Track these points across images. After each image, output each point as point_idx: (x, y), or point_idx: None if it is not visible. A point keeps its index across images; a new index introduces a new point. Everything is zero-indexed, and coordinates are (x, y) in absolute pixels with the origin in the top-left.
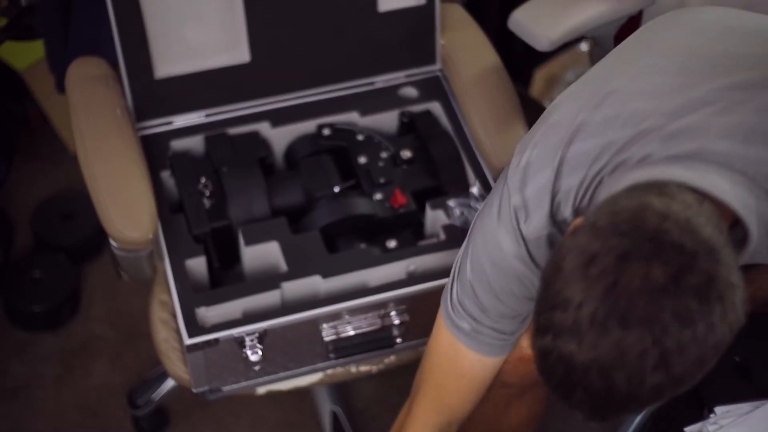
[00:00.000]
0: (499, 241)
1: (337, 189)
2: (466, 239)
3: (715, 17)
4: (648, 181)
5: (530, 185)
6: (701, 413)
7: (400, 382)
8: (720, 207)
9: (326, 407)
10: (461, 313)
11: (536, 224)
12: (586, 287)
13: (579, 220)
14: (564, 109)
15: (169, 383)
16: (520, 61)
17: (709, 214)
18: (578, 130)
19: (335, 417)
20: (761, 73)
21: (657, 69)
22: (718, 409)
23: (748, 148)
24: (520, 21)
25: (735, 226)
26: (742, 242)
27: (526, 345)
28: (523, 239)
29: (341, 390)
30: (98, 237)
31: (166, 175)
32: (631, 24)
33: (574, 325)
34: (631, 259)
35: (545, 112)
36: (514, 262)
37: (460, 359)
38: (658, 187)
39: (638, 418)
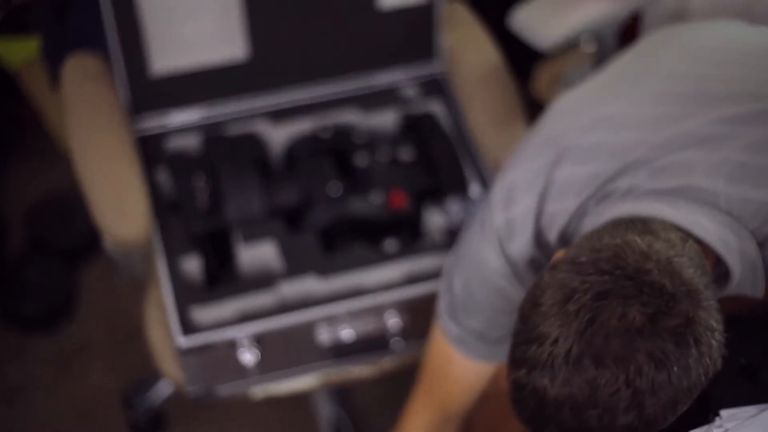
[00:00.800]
0: (484, 257)
1: (335, 190)
2: (455, 249)
3: (712, 37)
4: (632, 215)
5: (515, 207)
6: (706, 416)
7: (401, 385)
8: (703, 246)
9: (326, 411)
10: (450, 321)
11: (520, 246)
12: (563, 323)
13: (560, 253)
14: (552, 127)
15: (167, 386)
16: (520, 59)
17: (692, 254)
18: (565, 153)
19: (336, 421)
20: (751, 106)
21: (647, 98)
22: (723, 413)
23: (733, 187)
24: (520, 20)
25: (719, 263)
26: (725, 278)
27: None
28: (507, 259)
29: (341, 393)
30: (93, 238)
31: (162, 173)
32: (632, 23)
33: (548, 360)
34: (610, 298)
35: (536, 125)
36: (498, 278)
37: (452, 363)
38: (642, 224)
39: None
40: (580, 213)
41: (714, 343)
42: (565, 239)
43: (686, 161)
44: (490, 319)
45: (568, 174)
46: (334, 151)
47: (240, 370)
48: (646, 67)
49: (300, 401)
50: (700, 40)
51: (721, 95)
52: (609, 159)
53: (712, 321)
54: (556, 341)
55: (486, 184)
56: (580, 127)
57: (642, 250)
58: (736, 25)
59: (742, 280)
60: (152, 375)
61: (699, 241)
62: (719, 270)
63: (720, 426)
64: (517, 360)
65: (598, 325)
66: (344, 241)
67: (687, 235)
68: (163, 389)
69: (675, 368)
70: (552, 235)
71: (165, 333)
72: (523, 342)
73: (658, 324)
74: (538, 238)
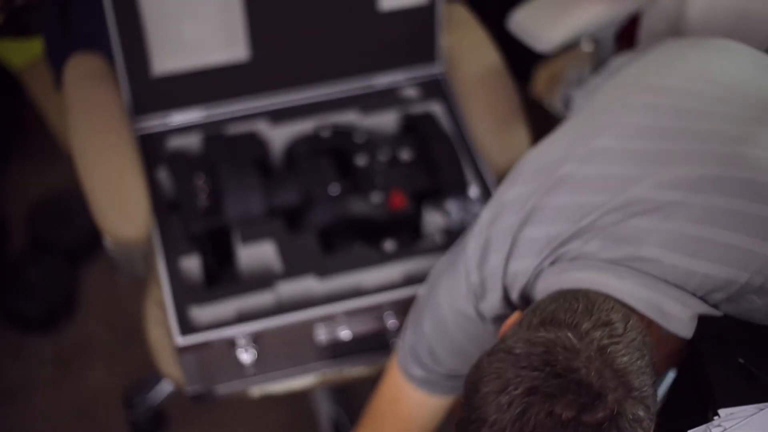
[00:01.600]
0: (461, 306)
1: (335, 190)
2: (428, 291)
3: (686, 73)
4: (578, 287)
5: (486, 265)
6: (705, 416)
7: None
8: (648, 318)
9: (326, 411)
10: (414, 364)
11: (491, 305)
12: (498, 410)
13: (514, 317)
14: (521, 183)
15: (167, 386)
16: (520, 60)
17: (633, 335)
18: (532, 213)
19: (336, 420)
20: (706, 169)
21: (608, 155)
22: (722, 412)
23: (680, 258)
24: (519, 22)
25: None
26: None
27: None
28: (479, 315)
29: (341, 393)
30: (94, 237)
31: (163, 173)
32: (631, 25)
33: None
34: (538, 394)
35: (509, 179)
36: (474, 328)
37: (405, 401)
38: (586, 299)
39: None
40: (536, 273)
41: (641, 431)
42: (524, 299)
43: (637, 230)
44: (459, 365)
45: (531, 234)
46: (334, 151)
47: (238, 370)
48: (606, 121)
49: (300, 401)
50: (679, 81)
51: (684, 154)
52: (567, 221)
53: (640, 410)
54: (493, 424)
55: (486, 185)
56: (543, 189)
57: (572, 346)
58: (726, 51)
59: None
60: (152, 375)
61: (644, 314)
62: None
63: (719, 425)
64: (462, 430)
65: (527, 418)
66: (343, 241)
67: (631, 310)
68: (163, 389)
69: None
70: (514, 294)
71: (165, 332)
72: (467, 419)
73: (582, 420)
74: (508, 298)
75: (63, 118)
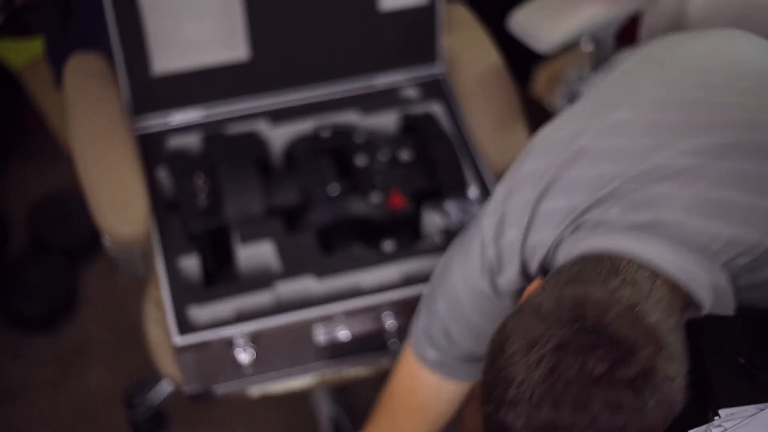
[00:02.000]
0: (476, 283)
1: (334, 190)
2: (440, 273)
3: (699, 52)
4: (601, 252)
5: (503, 239)
6: (705, 416)
7: None
8: (672, 282)
9: (326, 411)
10: (428, 346)
11: (509, 278)
12: (526, 369)
13: (536, 283)
14: (536, 158)
15: (167, 386)
16: (520, 60)
17: (660, 296)
18: (549, 186)
19: (336, 420)
20: (725, 137)
21: (626, 127)
22: (722, 412)
23: (704, 221)
24: (519, 22)
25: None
26: (696, 306)
27: None
28: (496, 290)
29: (341, 392)
30: (94, 237)
31: (162, 172)
32: (631, 24)
33: (514, 401)
34: (569, 350)
35: (523, 155)
36: (490, 305)
37: (421, 387)
38: (610, 263)
39: None
40: (556, 244)
41: (674, 388)
42: (544, 270)
43: (659, 195)
44: (475, 345)
45: (550, 206)
46: (334, 151)
47: (237, 369)
48: (622, 94)
49: (300, 401)
50: (682, 57)
51: (703, 124)
52: (587, 192)
53: (673, 369)
54: (520, 384)
55: (485, 185)
56: (562, 161)
57: (602, 301)
58: (734, 37)
59: (713, 308)
60: (152, 375)
61: (668, 278)
62: (690, 299)
63: (719, 425)
64: (486, 396)
65: (558, 375)
66: (343, 241)
67: (655, 273)
68: (163, 389)
69: (633, 414)
70: (533, 266)
71: (164, 332)
72: (491, 382)
73: (615, 375)
74: (526, 272)
75: (63, 118)
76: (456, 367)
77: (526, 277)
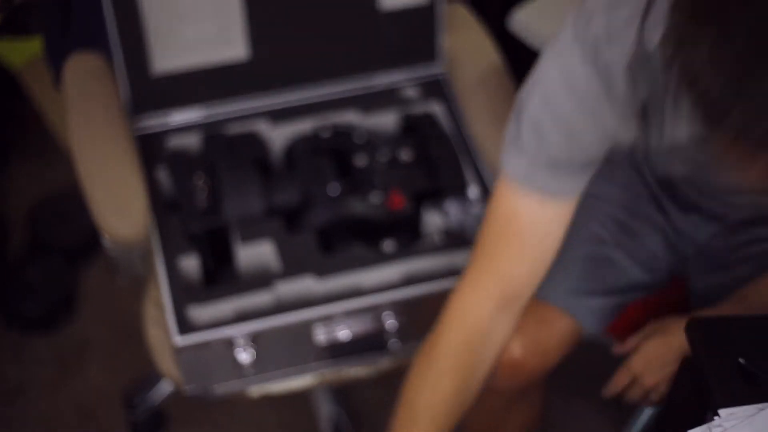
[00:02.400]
0: (573, 70)
1: (334, 190)
2: (533, 74)
3: None
4: None
5: (619, 11)
6: (705, 416)
7: (402, 385)
8: None
9: (326, 411)
10: (516, 152)
11: (620, 52)
12: None
13: None
14: None
15: (167, 386)
16: (520, 60)
17: None
18: None
19: (336, 420)
20: None
21: None
22: (722, 412)
23: None
24: (520, 22)
25: None
26: None
27: (514, 347)
28: (599, 68)
29: (341, 393)
30: (93, 238)
31: (162, 172)
32: None
33: None
34: None
35: None
36: (586, 87)
37: (515, 212)
38: None
39: (641, 422)
40: None
41: None
42: None
43: None
44: (570, 133)
45: None
46: (334, 151)
47: (236, 369)
48: None
49: (300, 401)
50: None
51: None
52: None
53: None
54: None
55: (485, 185)
56: None
57: None
58: None
59: None
60: (152, 375)
61: None
62: None
63: (719, 425)
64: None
65: None
66: (342, 241)
67: None
68: (163, 389)
69: None
70: (655, 38)
71: (163, 332)
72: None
73: None
74: (639, 47)
75: (62, 117)
76: (546, 178)
77: (639, 56)
